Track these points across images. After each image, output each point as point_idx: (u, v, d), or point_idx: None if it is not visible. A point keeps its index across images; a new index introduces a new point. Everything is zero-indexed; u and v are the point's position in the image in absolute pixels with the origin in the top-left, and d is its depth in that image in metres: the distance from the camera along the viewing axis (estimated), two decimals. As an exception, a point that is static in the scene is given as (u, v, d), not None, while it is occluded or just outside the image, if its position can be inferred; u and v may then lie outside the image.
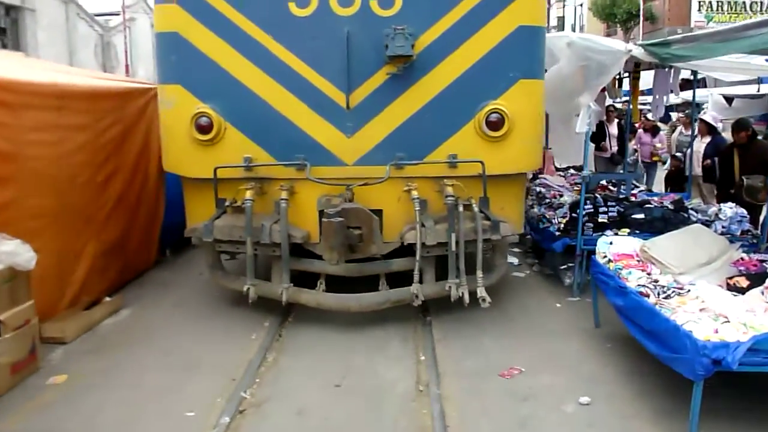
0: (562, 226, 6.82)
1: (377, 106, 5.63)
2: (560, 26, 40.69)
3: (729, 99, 12.23)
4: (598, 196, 6.77)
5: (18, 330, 4.76)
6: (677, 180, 9.87)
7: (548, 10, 36.97)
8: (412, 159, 5.61)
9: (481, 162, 5.49)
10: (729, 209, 6.76)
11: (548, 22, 36.39)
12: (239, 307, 6.31)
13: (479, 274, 5.49)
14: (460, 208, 5.43)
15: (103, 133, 6.45)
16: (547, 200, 7.50)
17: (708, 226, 6.61)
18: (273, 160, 5.63)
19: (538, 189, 7.97)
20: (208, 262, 6.19)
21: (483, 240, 5.46)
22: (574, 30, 38.93)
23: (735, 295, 4.53)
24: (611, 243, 5.44)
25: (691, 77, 8.66)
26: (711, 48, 4.84)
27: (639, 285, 4.70)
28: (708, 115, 9.47)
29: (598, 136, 11.31)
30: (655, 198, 8.02)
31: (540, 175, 8.28)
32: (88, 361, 5.12)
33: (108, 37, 32.15)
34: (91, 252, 6.32)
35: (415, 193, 5.49)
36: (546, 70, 6.16)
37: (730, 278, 4.81)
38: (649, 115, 11.50)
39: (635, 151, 11.58)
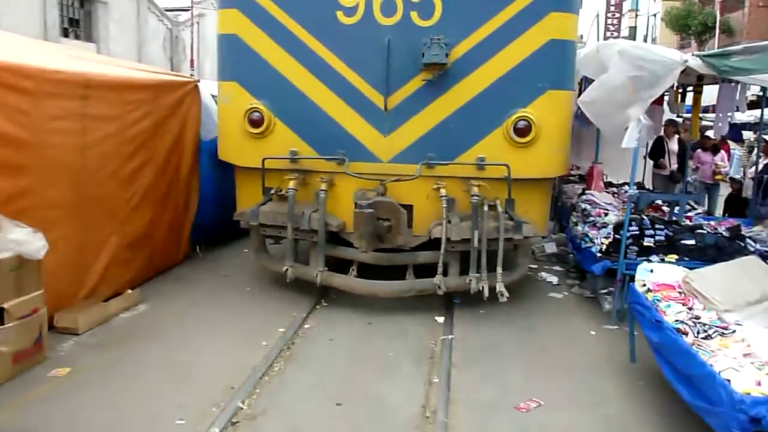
0: (604, 247, 6.32)
1: (412, 109, 6.09)
2: (631, 37, 39.15)
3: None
4: (645, 217, 6.23)
5: (23, 319, 4.69)
6: (738, 204, 9.16)
7: (619, 19, 35.77)
8: (442, 159, 6.03)
9: (507, 165, 5.86)
10: (793, 240, 6.13)
11: (619, 33, 35.24)
12: (255, 312, 6.17)
13: (499, 270, 5.90)
14: (485, 208, 5.83)
15: (133, 125, 6.37)
16: (592, 218, 7.00)
17: (766, 258, 6.01)
18: (315, 154, 6.18)
19: (583, 206, 7.48)
20: (254, 244, 6.75)
21: (506, 239, 5.84)
22: (645, 41, 37.56)
23: (788, 341, 4.01)
24: (652, 270, 4.95)
25: (760, 93, 7.95)
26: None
27: (677, 320, 4.23)
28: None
29: (657, 152, 10.68)
30: (712, 222, 7.40)
31: (587, 191, 7.77)
32: (93, 355, 5.03)
33: (177, 31, 32.96)
34: (114, 244, 6.27)
35: (443, 192, 5.93)
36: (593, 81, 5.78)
37: (784, 320, 4.27)
38: (709, 133, 10.77)
39: (694, 170, 10.84)
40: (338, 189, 6.21)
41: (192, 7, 30.39)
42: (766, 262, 5.92)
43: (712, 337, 3.98)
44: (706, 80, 7.93)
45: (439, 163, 6.01)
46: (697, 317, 4.27)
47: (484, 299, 5.95)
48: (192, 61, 30.24)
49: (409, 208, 6.12)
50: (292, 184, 6.12)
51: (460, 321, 6.08)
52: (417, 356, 5.26)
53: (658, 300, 4.59)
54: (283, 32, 6.13)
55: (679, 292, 4.65)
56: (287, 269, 6.27)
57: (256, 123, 6.21)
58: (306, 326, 5.84)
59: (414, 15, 5.94)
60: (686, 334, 4.06)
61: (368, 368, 5.01)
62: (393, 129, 6.14)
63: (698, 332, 4.04)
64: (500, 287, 5.86)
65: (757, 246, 6.11)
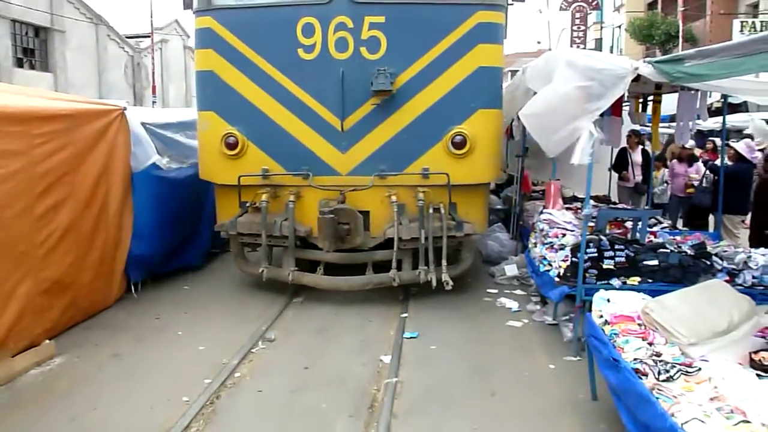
0: (562, 271, 5.87)
1: (365, 129, 6.99)
2: (598, 48, 39.38)
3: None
4: (603, 238, 5.77)
5: None
6: (699, 214, 8.84)
7: (585, 32, 35.85)
8: (392, 171, 6.94)
9: (447, 174, 6.78)
10: (761, 256, 5.69)
11: (585, 45, 35.30)
12: (181, 359, 5.61)
13: (444, 263, 6.80)
14: (430, 211, 6.72)
15: (44, 160, 5.79)
16: (549, 240, 6.55)
17: (735, 276, 5.59)
18: (284, 170, 7.04)
19: (541, 226, 7.02)
20: (234, 251, 7.64)
21: (449, 236, 6.77)
22: (611, 52, 37.75)
23: (760, 377, 3.54)
24: (609, 300, 4.48)
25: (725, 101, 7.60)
26: (731, 65, 3.90)
27: (636, 359, 3.75)
28: (742, 143, 8.38)
29: (621, 164, 10.32)
30: (677, 237, 6.99)
31: (545, 209, 7.32)
32: (-14, 424, 4.40)
33: (139, 58, 32.38)
34: (26, 291, 5.65)
35: (394, 198, 6.85)
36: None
37: (755, 353, 3.79)
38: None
39: (666, 183, 10.47)
40: (305, 200, 7.09)
41: (152, 33, 29.79)
42: (734, 281, 5.57)
43: (674, 379, 3.50)
44: (665, 89, 7.58)
45: (389, 174, 6.93)
46: (658, 354, 3.79)
47: (433, 289, 6.86)
48: (154, 87, 29.61)
49: (365, 213, 7.01)
50: (264, 197, 6.96)
51: (407, 360, 5.56)
52: (356, 406, 4.71)
53: (615, 334, 4.11)
54: (253, 68, 7.00)
55: (639, 324, 4.17)
56: (263, 270, 7.20)
57: (231, 146, 7.04)
58: (236, 374, 5.26)
59: (363, 50, 6.83)
60: (646, 375, 3.58)
61: (298, 427, 4.45)
62: (349, 146, 7.01)
63: (659, 373, 3.55)
64: (445, 277, 6.79)
65: (724, 264, 5.67)
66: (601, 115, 7.70)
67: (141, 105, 30.55)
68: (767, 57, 3.33)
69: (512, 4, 8.10)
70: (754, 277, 5.59)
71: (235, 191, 7.08)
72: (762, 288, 5.56)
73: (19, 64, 24.34)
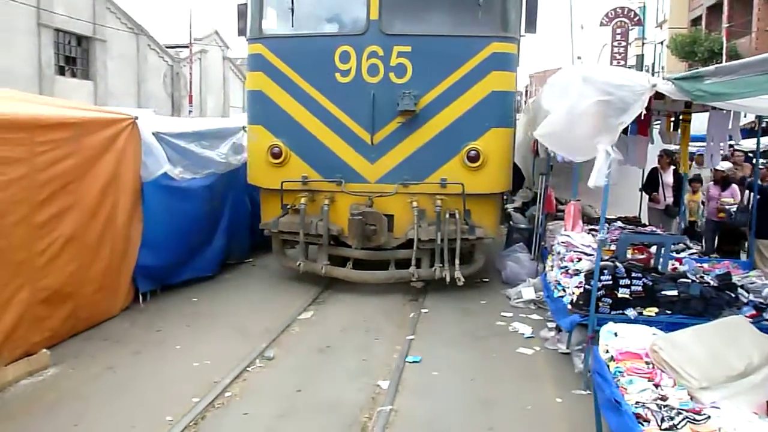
0: (575, 298, 5.54)
1: (391, 143, 7.95)
2: (639, 65, 38.50)
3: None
4: (618, 264, 5.42)
5: None
6: (732, 239, 8.35)
7: (626, 48, 35.09)
8: (414, 180, 7.91)
9: (462, 184, 7.67)
10: (793, 289, 5.28)
11: (626, 61, 34.56)
12: (173, 375, 5.47)
13: (457, 262, 7.75)
14: (447, 216, 7.68)
15: (47, 168, 5.74)
16: (565, 264, 6.22)
17: (763, 310, 5.18)
18: (320, 177, 8.03)
19: (558, 248, 6.70)
20: (275, 248, 8.60)
21: (462, 239, 7.71)
22: (653, 70, 36.95)
23: (778, 429, 3.19)
24: (616, 334, 4.15)
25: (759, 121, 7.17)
26: (755, 83, 3.57)
27: (638, 403, 3.43)
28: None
29: (652, 185, 9.89)
30: (705, 265, 6.59)
31: (563, 232, 6.98)
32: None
33: (178, 67, 32.88)
34: (24, 300, 5.59)
35: (415, 204, 7.79)
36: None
37: (774, 400, 3.45)
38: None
39: (702, 205, 9.96)
40: (337, 203, 8.06)
41: (191, 44, 30.26)
42: (762, 316, 5.17)
43: (679, 428, 3.17)
44: (695, 107, 7.19)
45: (411, 183, 7.91)
46: (664, 398, 3.46)
47: (446, 284, 7.77)
48: (191, 97, 30.03)
49: (390, 217, 7.99)
50: (303, 200, 7.98)
51: (406, 386, 5.29)
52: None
53: (620, 372, 3.79)
54: (296, 88, 8.04)
55: (647, 363, 3.84)
56: (300, 264, 8.17)
57: (276, 156, 8.07)
58: (226, 394, 5.07)
59: (392, 75, 7.82)
60: (648, 421, 3.26)
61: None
62: (377, 158, 7.99)
63: (662, 419, 3.23)
64: (458, 274, 7.70)
65: (751, 297, 5.27)
66: (625, 133, 7.45)
67: (179, 114, 31.04)
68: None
69: (525, 36, 8.61)
70: (784, 313, 5.18)
71: (278, 195, 8.08)
72: (792, 324, 5.14)
73: (61, 72, 24.91)
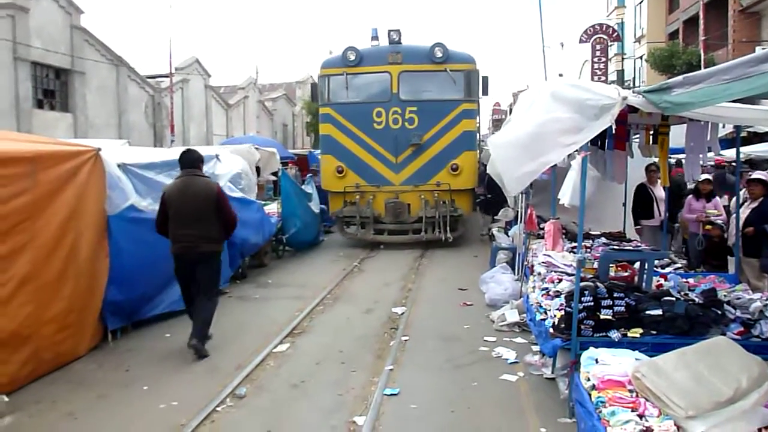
0: (556, 321, 5.31)
1: (407, 162, 14.12)
2: (619, 80, 38.82)
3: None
4: (600, 285, 5.20)
5: None
6: (718, 253, 8.16)
7: (606, 63, 35.33)
8: (421, 183, 14.02)
9: (449, 184, 13.92)
10: (781, 304, 5.06)
11: (606, 77, 34.76)
12: (130, 429, 5.12)
13: (448, 229, 13.64)
14: (441, 203, 13.74)
15: (-2, 206, 5.47)
16: (545, 285, 6.00)
17: (750, 327, 4.97)
18: (366, 183, 14.10)
19: (539, 269, 6.48)
20: (339, 227, 14.72)
21: (450, 216, 13.73)
22: (634, 84, 37.11)
23: (771, 460, 2.96)
24: (597, 360, 3.92)
25: (745, 132, 7.05)
26: (715, 92, 3.40)
27: (621, 436, 3.19)
28: (761, 173, 7.73)
29: (643, 202, 9.66)
30: (691, 280, 6.37)
31: (544, 251, 6.77)
32: None
33: (159, 97, 32.65)
34: (-23, 344, 5.29)
35: (422, 197, 13.94)
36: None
37: (767, 429, 3.21)
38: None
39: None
40: (377, 198, 14.12)
41: (171, 73, 30.12)
42: (750, 332, 4.96)
43: (664, 463, 2.93)
44: (673, 120, 7.04)
45: (420, 184, 14.02)
46: (649, 429, 3.23)
47: (442, 242, 13.62)
48: (172, 126, 29.81)
49: (408, 205, 14.09)
50: (357, 197, 14.03)
51: (383, 422, 5.02)
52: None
53: (602, 402, 3.56)
54: (350, 132, 14.23)
55: (630, 391, 3.61)
56: (357, 234, 13.98)
57: (339, 172, 14.18)
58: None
59: (406, 123, 14.05)
60: (631, 457, 3.02)
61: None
62: (399, 170, 14.16)
63: (647, 455, 3.00)
64: (447, 235, 13.58)
65: (737, 313, 5.06)
66: (603, 148, 7.29)
67: (161, 144, 30.75)
68: (754, 81, 2.84)
69: (483, 97, 15.57)
70: (772, 329, 4.97)
71: (341, 195, 14.23)
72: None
73: (39, 105, 24.60)
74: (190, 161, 6.91)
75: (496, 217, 13.72)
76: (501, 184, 10.97)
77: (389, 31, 14.28)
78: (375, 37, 14.86)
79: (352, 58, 14.07)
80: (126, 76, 29.68)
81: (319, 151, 16.84)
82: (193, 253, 6.64)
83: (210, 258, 6.78)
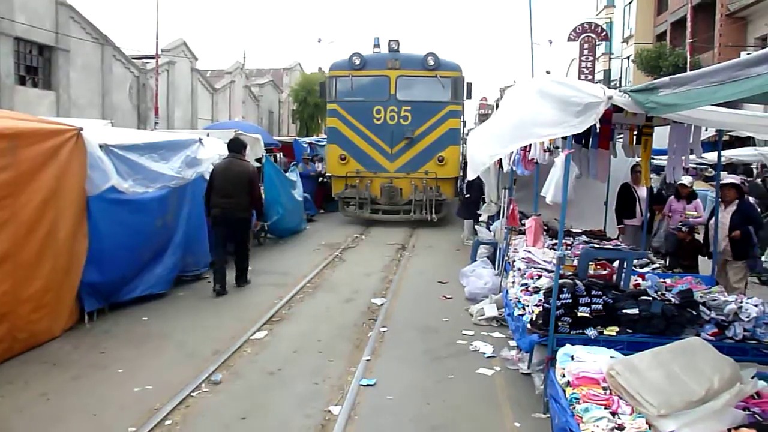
0: (534, 317, 5.34)
1: (401, 153, 16.50)
2: (606, 80, 39.04)
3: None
4: (578, 282, 5.25)
5: None
6: (689, 253, 8.29)
7: (593, 62, 35.51)
8: (412, 171, 16.40)
9: (435, 172, 16.39)
10: (754, 306, 5.14)
11: (594, 76, 34.95)
12: (110, 402, 5.08)
13: (433, 211, 16.09)
14: (428, 188, 16.19)
15: (-26, 182, 5.39)
16: (525, 281, 6.04)
17: (725, 328, 5.05)
18: (365, 170, 16.45)
19: (519, 264, 6.52)
20: (340, 207, 16.97)
21: (435, 200, 16.20)
22: (620, 84, 37.33)
23: (739, 459, 3.01)
24: (572, 357, 3.96)
25: (727, 136, 7.12)
26: (704, 93, 3.41)
27: (593, 433, 3.23)
28: (732, 177, 7.86)
29: (627, 202, 9.76)
30: (668, 281, 6.45)
31: (525, 248, 6.81)
32: None
33: (144, 79, 32.23)
34: (-50, 323, 5.22)
35: (413, 183, 16.29)
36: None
37: (735, 429, 3.27)
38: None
39: (661, 220, 9.90)
40: (374, 182, 16.41)
41: (157, 55, 29.73)
42: (724, 334, 5.04)
43: (634, 460, 2.97)
44: (657, 121, 7.09)
45: (411, 172, 16.31)
46: (621, 427, 3.27)
47: (429, 221, 16.03)
48: (156, 109, 29.45)
49: (400, 189, 16.37)
50: (357, 181, 16.33)
51: (359, 412, 5.04)
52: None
53: (576, 399, 3.60)
54: (353, 126, 16.55)
55: (604, 388, 3.65)
56: (356, 213, 16.29)
57: (342, 159, 16.49)
58: (167, 422, 4.76)
59: (401, 120, 16.43)
60: (603, 453, 3.06)
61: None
62: (394, 160, 16.43)
63: (617, 451, 3.03)
64: (432, 216, 15.90)
65: (712, 314, 5.13)
66: (586, 146, 7.33)
67: (145, 126, 30.39)
68: (741, 85, 2.86)
69: (467, 100, 18.48)
70: (746, 330, 5.05)
71: (343, 179, 16.49)
72: (755, 342, 5.03)
73: (22, 81, 24.19)
74: (237, 147, 8.91)
75: (480, 220, 12.16)
76: (483, 179, 11.12)
77: (389, 41, 16.91)
78: (377, 45, 17.72)
79: (357, 62, 16.57)
80: (111, 55, 29.24)
81: (304, 139, 20.15)
82: (230, 218, 8.55)
83: (244, 222, 8.91)
